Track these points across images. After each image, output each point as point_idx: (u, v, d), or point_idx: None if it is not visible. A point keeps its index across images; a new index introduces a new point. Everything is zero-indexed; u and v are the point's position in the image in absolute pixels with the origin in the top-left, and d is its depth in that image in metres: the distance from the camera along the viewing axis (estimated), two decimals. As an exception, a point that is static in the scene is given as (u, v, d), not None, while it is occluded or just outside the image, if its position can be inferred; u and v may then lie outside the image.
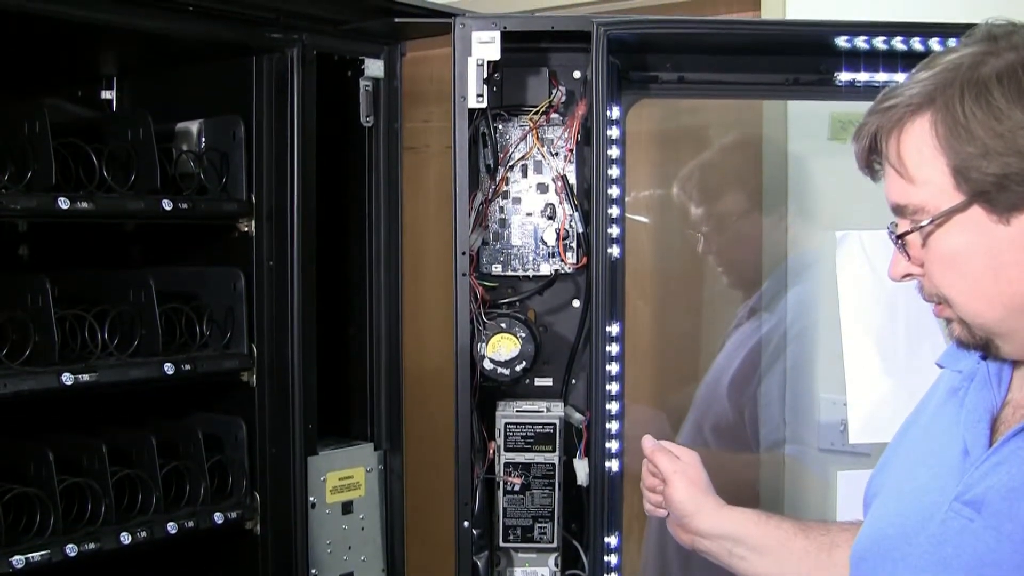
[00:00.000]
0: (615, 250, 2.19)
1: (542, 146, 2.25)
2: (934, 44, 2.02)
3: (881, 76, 2.12)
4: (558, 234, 2.24)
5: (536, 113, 2.24)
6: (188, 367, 2.05)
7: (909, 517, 1.40)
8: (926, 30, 2.05)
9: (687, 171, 2.94)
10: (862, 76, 2.14)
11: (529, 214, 2.28)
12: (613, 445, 2.18)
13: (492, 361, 2.17)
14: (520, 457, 2.18)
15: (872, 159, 1.37)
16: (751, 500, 2.76)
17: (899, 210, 1.36)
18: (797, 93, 2.35)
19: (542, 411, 2.20)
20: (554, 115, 2.26)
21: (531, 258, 2.27)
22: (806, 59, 2.20)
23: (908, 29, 2.06)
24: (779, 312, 2.79)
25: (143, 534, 1.99)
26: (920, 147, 1.30)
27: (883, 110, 1.34)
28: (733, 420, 2.75)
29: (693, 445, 2.72)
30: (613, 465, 2.18)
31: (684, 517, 1.76)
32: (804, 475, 2.79)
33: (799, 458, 2.79)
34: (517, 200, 2.28)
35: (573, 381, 2.28)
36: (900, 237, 1.35)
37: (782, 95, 2.53)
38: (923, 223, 1.31)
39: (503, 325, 2.19)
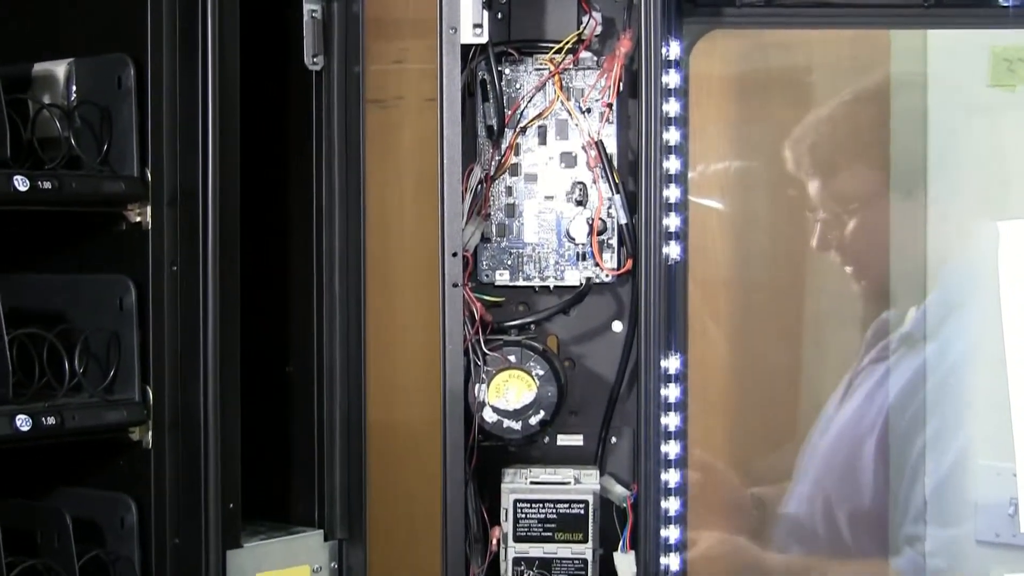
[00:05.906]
0: (674, 249, 2.16)
1: (568, 99, 2.22)
2: None
3: (1066, -5, 2.08)
4: (591, 227, 2.19)
5: (559, 52, 2.19)
6: (51, 420, 1.98)
7: None
8: None
9: (804, 128, 2.88)
10: (1040, -7, 2.11)
11: (549, 198, 2.25)
12: (672, 532, 2.15)
13: (496, 410, 2.14)
14: (537, 549, 2.17)
15: None
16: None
17: None
18: (941, 20, 2.37)
19: (568, 483, 2.20)
20: (585, 54, 2.22)
21: (552, 261, 2.23)
22: (955, -30, 2.17)
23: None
24: (914, 337, 2.73)
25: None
26: None
27: None
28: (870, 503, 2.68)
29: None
30: (672, 562, 2.14)
31: None
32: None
33: (945, 555, 2.73)
34: (532, 177, 2.25)
35: (613, 439, 2.28)
36: None
37: (919, 23, 2.52)
38: None
39: (512, 358, 2.16)
